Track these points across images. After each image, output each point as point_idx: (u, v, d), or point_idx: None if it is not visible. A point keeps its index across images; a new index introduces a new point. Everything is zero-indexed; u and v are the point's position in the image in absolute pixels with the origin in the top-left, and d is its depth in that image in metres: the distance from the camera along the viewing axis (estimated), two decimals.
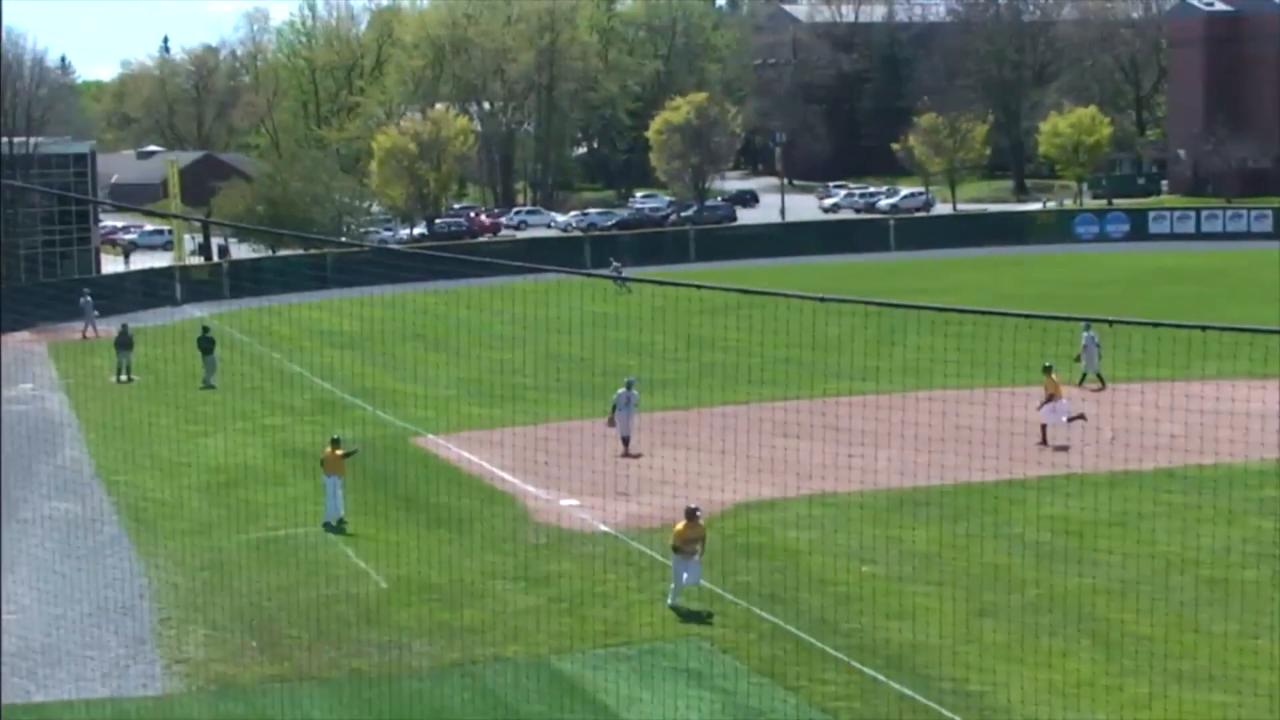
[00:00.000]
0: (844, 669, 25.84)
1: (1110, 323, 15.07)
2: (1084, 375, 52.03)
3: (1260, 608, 28.13)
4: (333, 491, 36.76)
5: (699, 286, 16.62)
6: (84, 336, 74.48)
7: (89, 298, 75.95)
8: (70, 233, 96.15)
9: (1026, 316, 14.80)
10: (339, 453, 37.10)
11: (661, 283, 16.88)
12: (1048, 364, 43.29)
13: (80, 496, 40.70)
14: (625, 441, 43.37)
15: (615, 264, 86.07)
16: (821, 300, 15.77)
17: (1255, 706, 24.10)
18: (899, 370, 48.17)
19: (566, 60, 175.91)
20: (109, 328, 73.24)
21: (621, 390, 44.13)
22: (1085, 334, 52.09)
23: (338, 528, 36.40)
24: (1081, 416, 43.76)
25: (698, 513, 30.32)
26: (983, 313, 15.18)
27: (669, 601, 29.80)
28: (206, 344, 59.58)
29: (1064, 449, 41.63)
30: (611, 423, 43.68)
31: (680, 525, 30.01)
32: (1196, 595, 29.05)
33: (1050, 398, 43.16)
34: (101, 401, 54.85)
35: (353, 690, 26.38)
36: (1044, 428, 43.02)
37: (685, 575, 29.76)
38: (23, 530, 36.95)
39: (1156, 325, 14.55)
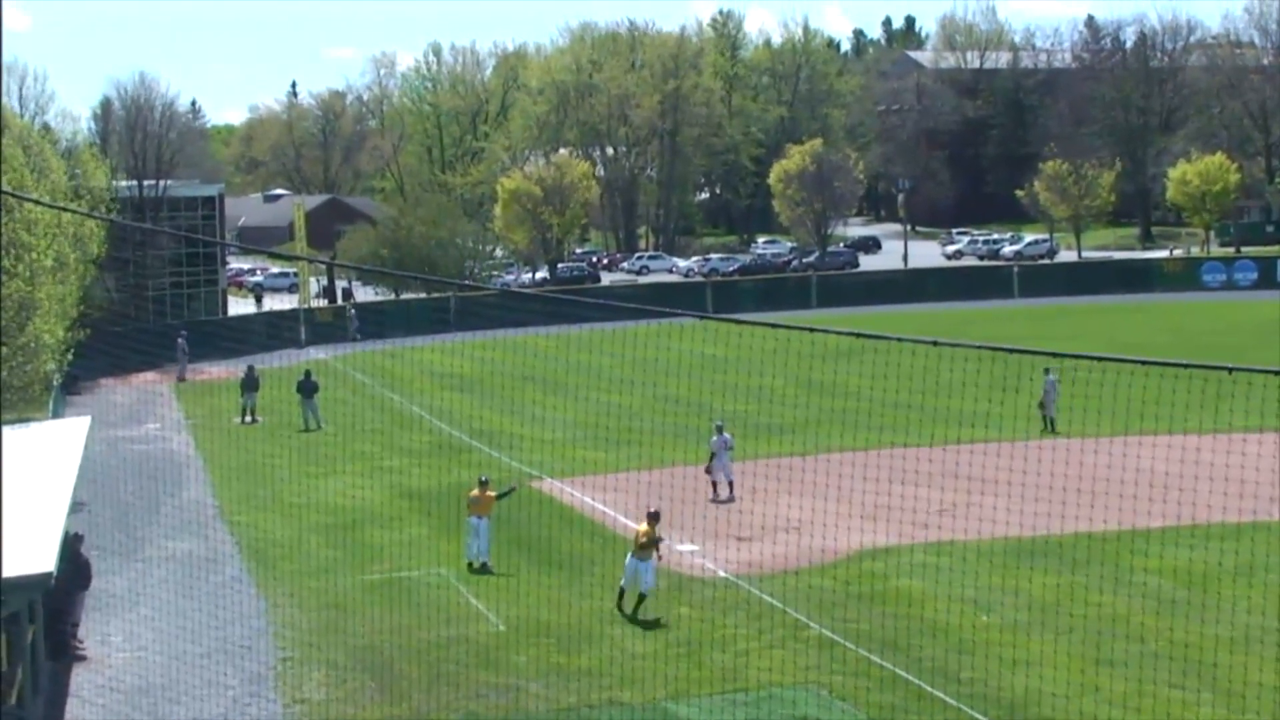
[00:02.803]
0: (961, 717, 25.55)
1: (1230, 370, 14.86)
2: (1045, 421, 50.82)
3: None
4: (483, 533, 36.55)
5: (809, 330, 16.54)
6: (180, 379, 75.23)
7: (184, 339, 76.87)
8: (198, 274, 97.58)
9: (1113, 360, 14.63)
10: (490, 493, 37.05)
11: (763, 324, 16.83)
12: (654, 510, 33.82)
13: (202, 536, 41.14)
14: (729, 486, 43.22)
15: (351, 310, 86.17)
16: (935, 344, 15.69)
17: None
18: (1014, 417, 47.70)
19: (690, 106, 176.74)
20: (210, 369, 74.25)
21: (715, 437, 44.11)
22: (1047, 378, 50.93)
23: (481, 569, 36.24)
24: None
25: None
26: (1086, 357, 15.04)
27: None
28: (309, 388, 59.57)
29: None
30: (709, 470, 43.55)
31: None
32: None
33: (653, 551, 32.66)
34: (225, 442, 55.47)
35: None
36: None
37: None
38: (145, 568, 37.41)
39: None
